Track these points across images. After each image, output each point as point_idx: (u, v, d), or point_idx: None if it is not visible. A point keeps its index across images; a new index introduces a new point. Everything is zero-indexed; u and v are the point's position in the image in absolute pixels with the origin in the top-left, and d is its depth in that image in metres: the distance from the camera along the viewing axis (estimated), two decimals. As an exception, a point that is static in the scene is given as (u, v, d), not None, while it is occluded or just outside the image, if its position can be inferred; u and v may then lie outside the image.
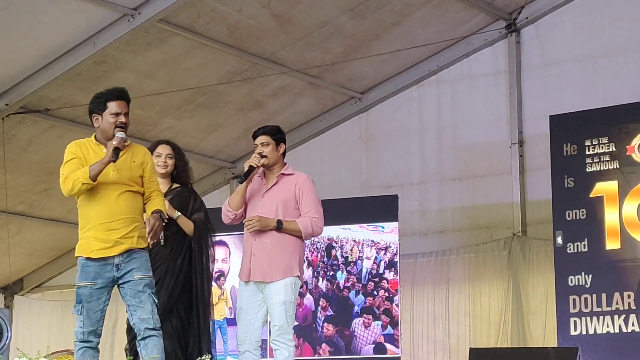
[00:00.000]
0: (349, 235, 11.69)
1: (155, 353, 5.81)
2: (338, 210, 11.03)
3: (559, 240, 10.04)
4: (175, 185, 7.17)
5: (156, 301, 6.09)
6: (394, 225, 11.41)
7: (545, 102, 11.85)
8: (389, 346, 11.22)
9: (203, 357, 5.41)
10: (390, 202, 11.58)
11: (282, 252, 6.98)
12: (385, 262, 11.53)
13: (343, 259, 11.62)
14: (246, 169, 7.11)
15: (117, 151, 6.11)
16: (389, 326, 11.28)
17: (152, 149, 7.22)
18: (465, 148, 12.39)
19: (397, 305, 11.32)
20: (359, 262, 11.66)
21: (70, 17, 10.17)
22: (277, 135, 7.25)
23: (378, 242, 11.54)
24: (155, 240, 6.31)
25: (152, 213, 6.20)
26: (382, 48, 11.93)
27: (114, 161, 6.13)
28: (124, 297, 6.19)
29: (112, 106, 6.38)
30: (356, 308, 11.58)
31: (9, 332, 13.37)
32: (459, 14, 11.84)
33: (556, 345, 9.92)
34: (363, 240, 11.62)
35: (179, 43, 11.02)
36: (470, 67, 12.55)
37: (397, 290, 11.35)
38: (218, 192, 13.94)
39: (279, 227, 6.96)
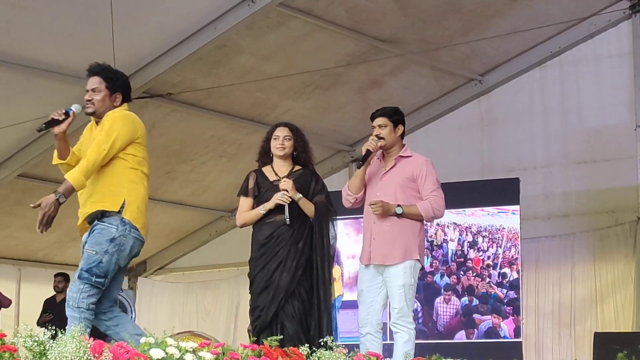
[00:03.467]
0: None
1: None
2: (458, 194, 10.96)
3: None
4: (296, 168, 7.14)
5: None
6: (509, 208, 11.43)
7: (672, 83, 11.59)
8: (508, 330, 11.19)
9: (325, 339, 5.37)
10: (511, 186, 11.46)
11: (402, 235, 6.91)
12: (468, 242, 11.54)
13: (428, 244, 11.64)
14: (364, 152, 7.04)
15: (51, 121, 5.99)
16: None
17: (270, 132, 7.23)
18: (590, 131, 12.17)
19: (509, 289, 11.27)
20: (444, 244, 11.69)
21: (192, 2, 10.28)
22: (395, 116, 7.14)
23: (493, 227, 11.56)
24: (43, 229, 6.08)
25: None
26: (501, 24, 11.74)
27: (38, 130, 6.09)
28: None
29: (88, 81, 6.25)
30: (442, 290, 11.67)
31: (133, 313, 13.66)
32: (582, -8, 11.63)
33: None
34: (477, 224, 11.66)
35: (298, 26, 11.03)
36: (595, 49, 12.30)
37: (480, 267, 11.38)
38: (337, 175, 13.96)
39: (399, 213, 6.89)
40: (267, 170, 7.16)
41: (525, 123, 12.67)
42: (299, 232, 7.00)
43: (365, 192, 7.14)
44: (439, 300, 11.65)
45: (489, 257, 11.55)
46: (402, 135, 7.14)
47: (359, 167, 7.08)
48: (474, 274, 11.58)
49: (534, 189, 12.27)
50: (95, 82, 6.19)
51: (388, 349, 6.82)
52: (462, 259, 11.69)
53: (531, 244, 11.99)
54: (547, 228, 12.30)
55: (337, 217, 7.28)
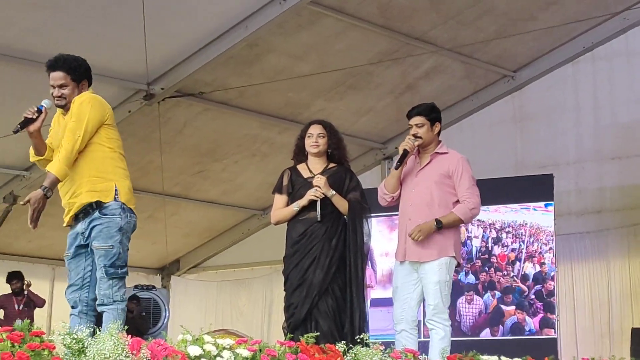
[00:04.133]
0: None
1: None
2: (491, 191, 10.93)
3: None
4: (331, 165, 7.15)
5: None
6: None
7: None
8: (533, 325, 11.21)
9: (361, 336, 5.37)
10: (545, 182, 11.43)
11: (437, 232, 6.88)
12: (492, 238, 11.53)
13: None
14: (400, 152, 7.02)
15: (25, 121, 6.04)
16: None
17: (304, 130, 7.23)
18: (623, 126, 12.11)
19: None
20: (468, 242, 11.71)
21: (223, 1, 10.28)
22: (432, 114, 7.08)
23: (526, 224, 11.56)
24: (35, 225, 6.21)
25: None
26: (534, 24, 11.70)
27: (14, 132, 6.11)
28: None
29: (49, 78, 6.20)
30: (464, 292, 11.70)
31: (167, 312, 13.72)
32: (614, -13, 11.56)
33: None
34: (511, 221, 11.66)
35: (329, 25, 11.02)
36: (627, 43, 12.23)
37: (505, 263, 11.41)
38: (369, 173, 13.95)
39: (440, 226, 6.86)
40: (301, 167, 7.18)
41: (557, 119, 12.62)
42: (332, 229, 7.00)
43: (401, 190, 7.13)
44: (461, 300, 11.67)
45: (513, 251, 11.57)
46: (439, 132, 7.12)
47: (396, 169, 7.04)
48: (499, 270, 11.59)
49: (567, 185, 12.22)
50: (59, 77, 6.19)
51: (423, 346, 6.80)
52: (486, 256, 11.70)
53: (565, 241, 11.95)
54: (580, 224, 12.25)
55: (371, 215, 7.26)
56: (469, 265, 11.75)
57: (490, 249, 11.74)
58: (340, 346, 5.17)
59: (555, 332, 11.16)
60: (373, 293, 12.13)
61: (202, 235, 15.29)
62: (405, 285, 6.95)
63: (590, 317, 11.96)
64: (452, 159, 7.02)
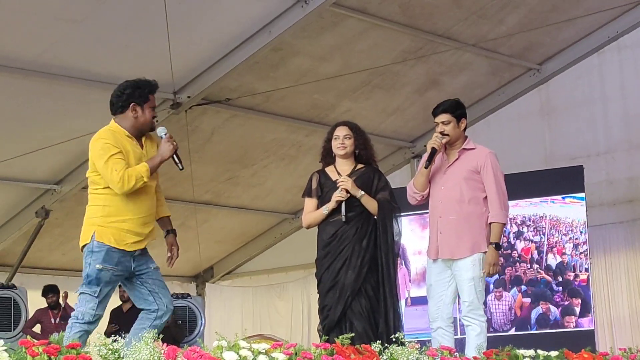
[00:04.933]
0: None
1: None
2: (522, 184, 10.93)
3: None
4: (359, 166, 7.14)
5: None
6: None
7: None
8: (580, 320, 11.14)
9: (396, 335, 5.37)
10: (575, 174, 11.39)
11: (469, 228, 6.88)
12: (513, 233, 11.49)
13: None
14: (428, 150, 6.98)
15: (175, 153, 6.05)
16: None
17: (330, 132, 7.24)
18: (653, 115, 12.06)
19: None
20: None
21: (245, 6, 10.31)
22: (458, 111, 7.02)
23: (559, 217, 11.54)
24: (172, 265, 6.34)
25: (170, 234, 6.29)
26: (558, 16, 11.66)
27: (181, 169, 6.21)
28: (143, 284, 6.15)
29: (153, 99, 6.14)
30: (491, 287, 11.65)
31: (203, 319, 13.75)
32: (637, -25, 11.51)
33: None
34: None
35: (352, 25, 11.03)
36: (653, 31, 12.19)
37: (528, 257, 11.47)
38: (399, 172, 13.95)
39: (498, 248, 6.87)
40: (330, 170, 7.18)
41: (585, 110, 12.56)
42: (362, 230, 7.01)
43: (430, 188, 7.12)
44: (490, 298, 11.65)
45: (535, 244, 11.56)
46: (465, 128, 7.09)
47: (425, 167, 7.01)
48: (524, 263, 11.57)
49: (597, 176, 12.16)
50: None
51: (460, 343, 6.79)
52: (509, 251, 11.69)
53: (598, 231, 11.89)
54: (612, 215, 12.18)
55: (402, 214, 7.26)
56: None
57: (512, 243, 11.72)
58: (376, 346, 5.17)
59: (592, 324, 11.11)
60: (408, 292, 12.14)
61: (235, 241, 15.33)
62: (439, 282, 6.94)
63: (626, 307, 11.90)
64: (480, 155, 7.00)
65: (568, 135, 12.64)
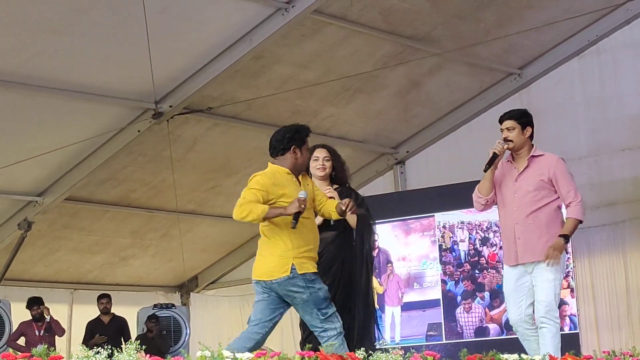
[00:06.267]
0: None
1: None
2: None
3: None
4: (335, 186, 7.30)
5: None
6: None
7: None
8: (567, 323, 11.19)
9: (380, 342, 5.40)
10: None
11: (547, 231, 7.02)
12: (479, 239, 11.61)
13: (437, 249, 11.94)
14: (490, 155, 7.14)
15: (297, 216, 6.36)
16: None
17: (310, 153, 7.31)
18: (632, 117, 12.09)
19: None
20: (455, 247, 11.78)
21: (226, 15, 10.30)
22: (523, 118, 7.24)
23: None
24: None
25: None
26: (537, 16, 11.68)
27: (293, 227, 6.41)
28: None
29: (307, 142, 6.67)
30: (459, 298, 11.73)
31: (188, 329, 13.73)
32: (614, -21, 11.56)
33: None
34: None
35: (333, 32, 11.05)
36: (632, 35, 12.21)
37: (496, 262, 11.59)
38: (382, 178, 13.95)
39: (567, 240, 7.02)
40: None
41: (566, 114, 12.58)
42: (344, 248, 7.14)
43: (496, 194, 7.25)
44: (459, 310, 11.72)
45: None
46: (532, 137, 7.25)
47: (485, 170, 7.17)
48: (492, 269, 11.64)
49: (579, 179, 12.13)
50: None
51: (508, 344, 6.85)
52: (476, 258, 11.75)
53: (581, 235, 11.88)
54: (595, 218, 12.20)
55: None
56: (460, 270, 11.81)
57: (479, 250, 11.79)
58: (360, 353, 5.18)
59: (576, 327, 11.15)
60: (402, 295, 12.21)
61: (218, 250, 15.30)
62: (519, 288, 7.09)
63: (609, 310, 11.92)
64: (550, 161, 7.16)
65: (550, 139, 12.59)
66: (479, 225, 11.71)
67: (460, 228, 11.87)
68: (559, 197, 7.08)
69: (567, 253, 7.18)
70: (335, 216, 6.62)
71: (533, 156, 7.18)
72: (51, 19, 9.55)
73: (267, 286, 6.47)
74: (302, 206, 6.31)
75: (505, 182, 7.20)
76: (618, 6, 11.95)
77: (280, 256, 6.45)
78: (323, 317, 6.34)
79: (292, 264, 6.39)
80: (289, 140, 6.54)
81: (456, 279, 11.82)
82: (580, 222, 7.04)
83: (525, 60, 12.73)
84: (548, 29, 11.94)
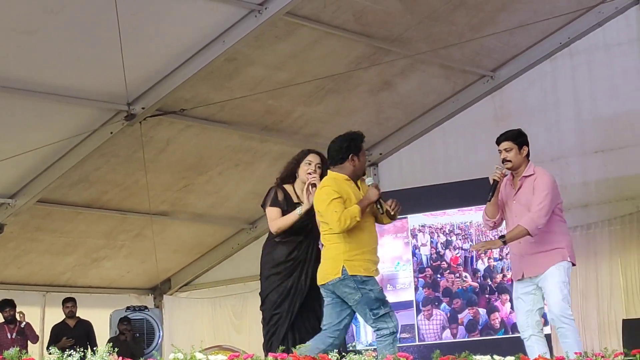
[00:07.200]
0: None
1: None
2: (473, 192, 11.02)
3: None
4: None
5: None
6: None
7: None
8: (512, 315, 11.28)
9: (353, 344, 5.41)
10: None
11: (549, 245, 7.27)
12: (441, 243, 11.68)
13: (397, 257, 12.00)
14: (491, 182, 7.39)
15: (379, 202, 6.67)
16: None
17: (302, 156, 7.32)
18: (606, 119, 12.14)
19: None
20: (416, 251, 11.83)
21: (199, 17, 10.28)
22: (519, 139, 7.46)
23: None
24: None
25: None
26: (509, 18, 11.72)
27: (382, 213, 6.73)
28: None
29: (363, 148, 6.96)
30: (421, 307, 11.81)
31: (161, 332, 13.69)
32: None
33: None
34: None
35: (306, 34, 11.04)
36: (605, 37, 12.26)
37: (457, 265, 11.68)
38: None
39: (504, 241, 7.28)
40: (289, 189, 7.25)
41: (539, 116, 12.62)
42: (312, 252, 7.14)
43: (503, 213, 7.50)
44: (420, 317, 11.76)
45: (464, 251, 11.73)
46: (528, 155, 7.45)
47: (488, 200, 7.41)
48: (453, 273, 11.70)
49: (551, 181, 12.22)
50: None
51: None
52: (438, 262, 11.79)
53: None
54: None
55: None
56: (422, 275, 11.85)
57: (442, 253, 11.84)
58: (333, 355, 5.18)
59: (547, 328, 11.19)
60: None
61: (192, 252, 15.26)
62: (526, 296, 7.37)
63: (579, 312, 11.96)
64: (535, 178, 7.38)
65: (522, 141, 12.69)
66: (441, 229, 11.76)
67: (420, 231, 11.91)
68: (555, 208, 7.34)
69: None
70: (387, 220, 6.82)
71: (524, 176, 7.39)
72: (24, 20, 9.50)
73: (327, 289, 6.66)
74: (379, 189, 6.68)
75: (507, 202, 7.47)
76: (590, 8, 12.01)
77: (333, 259, 6.64)
78: (375, 317, 6.51)
79: (343, 266, 6.58)
80: (347, 150, 6.83)
81: (415, 285, 11.86)
82: (529, 234, 7.21)
83: (498, 63, 12.77)
84: (520, 31, 11.98)
